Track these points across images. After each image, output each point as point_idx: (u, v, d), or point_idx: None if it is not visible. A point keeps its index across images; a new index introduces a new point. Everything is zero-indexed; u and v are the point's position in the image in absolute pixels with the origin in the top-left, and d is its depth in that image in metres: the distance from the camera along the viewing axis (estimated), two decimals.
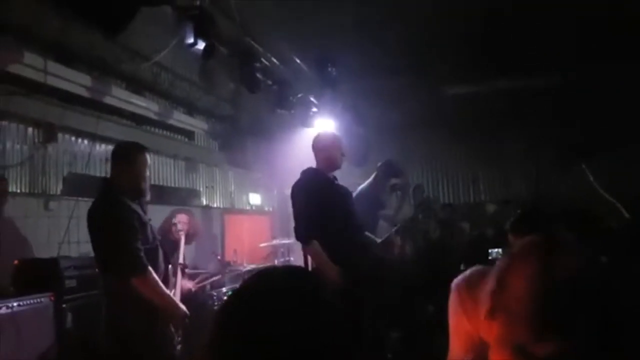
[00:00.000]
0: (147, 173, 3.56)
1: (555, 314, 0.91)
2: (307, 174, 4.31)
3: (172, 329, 3.46)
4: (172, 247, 4.53)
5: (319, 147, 4.40)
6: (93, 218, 3.36)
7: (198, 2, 4.22)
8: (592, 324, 0.90)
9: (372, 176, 6.30)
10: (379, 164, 6.41)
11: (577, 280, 0.93)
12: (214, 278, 5.93)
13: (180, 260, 4.29)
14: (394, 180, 6.56)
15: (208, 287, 5.84)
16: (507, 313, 0.95)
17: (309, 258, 4.26)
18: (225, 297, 5.54)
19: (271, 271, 1.12)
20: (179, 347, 3.55)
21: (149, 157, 3.58)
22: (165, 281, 3.50)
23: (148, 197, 3.57)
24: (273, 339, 0.91)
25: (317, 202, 4.08)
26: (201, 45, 4.26)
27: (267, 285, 1.03)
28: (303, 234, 4.07)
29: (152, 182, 3.66)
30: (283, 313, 0.95)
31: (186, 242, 4.84)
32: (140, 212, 3.42)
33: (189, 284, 5.05)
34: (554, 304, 0.91)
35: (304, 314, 0.96)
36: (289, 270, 1.10)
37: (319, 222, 4.03)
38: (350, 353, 0.99)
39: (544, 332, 0.91)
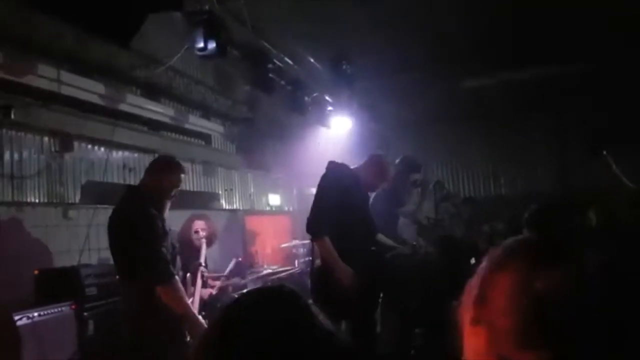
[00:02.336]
0: (175, 193, 3.60)
1: (539, 328, 0.89)
2: (338, 169, 4.33)
3: (189, 340, 3.46)
4: (192, 253, 4.54)
5: (376, 164, 4.49)
6: (118, 223, 3.38)
7: (207, 7, 4.22)
8: (583, 336, 0.88)
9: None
10: (397, 160, 6.33)
11: (563, 291, 0.90)
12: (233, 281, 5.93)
13: (202, 262, 4.28)
14: (415, 176, 6.47)
15: (230, 289, 5.85)
16: (490, 326, 0.93)
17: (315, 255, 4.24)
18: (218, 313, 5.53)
19: (260, 292, 1.12)
20: None
21: (183, 178, 3.65)
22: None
23: (166, 213, 3.57)
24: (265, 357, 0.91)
25: (338, 200, 4.09)
26: (211, 48, 4.26)
27: (255, 305, 1.03)
28: (316, 227, 4.07)
29: None
30: (273, 331, 0.95)
31: (207, 247, 4.85)
32: (162, 221, 3.45)
33: (207, 291, 5.06)
34: (537, 319, 0.89)
35: (293, 336, 0.96)
36: (277, 291, 1.09)
37: (333, 220, 4.03)
38: None
39: (528, 346, 0.88)
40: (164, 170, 3.60)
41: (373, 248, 4.42)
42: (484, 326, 0.94)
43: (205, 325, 3.45)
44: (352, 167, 4.45)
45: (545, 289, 0.90)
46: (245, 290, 1.12)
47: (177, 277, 3.30)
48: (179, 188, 3.65)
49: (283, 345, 0.92)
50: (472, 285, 1.01)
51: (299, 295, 1.05)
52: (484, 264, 1.02)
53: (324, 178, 4.27)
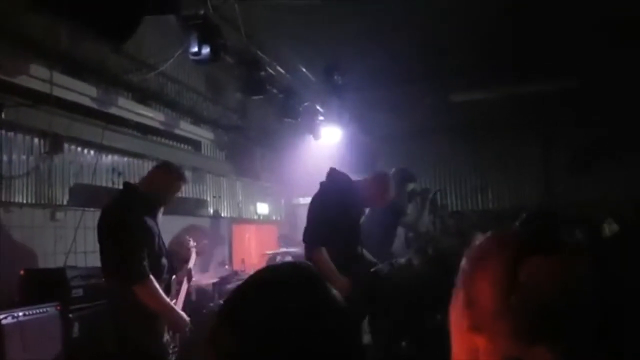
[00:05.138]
0: (172, 200, 3.70)
1: (533, 322, 0.87)
2: (339, 179, 4.27)
3: (170, 336, 3.48)
4: (179, 262, 4.55)
5: (385, 186, 4.42)
6: (105, 220, 3.42)
7: (202, 11, 4.23)
8: (580, 325, 0.87)
9: None
10: (391, 172, 6.38)
11: (548, 280, 0.89)
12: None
13: (190, 266, 4.30)
14: (411, 186, 6.52)
15: (216, 296, 5.84)
16: (486, 329, 0.91)
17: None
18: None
19: (279, 265, 1.11)
20: (174, 355, 3.56)
21: (181, 186, 3.77)
22: (167, 291, 3.52)
23: (160, 218, 3.61)
24: (279, 330, 0.90)
25: (335, 212, 4.04)
26: (205, 53, 4.27)
27: (275, 279, 1.01)
28: (314, 237, 4.01)
29: None
30: (291, 306, 0.94)
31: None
32: (152, 222, 3.47)
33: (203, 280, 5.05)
34: (529, 312, 0.88)
35: (312, 309, 0.95)
36: (297, 266, 1.08)
37: (331, 231, 3.99)
38: (355, 349, 0.97)
39: (531, 342, 0.87)
40: (165, 174, 3.66)
41: (358, 263, 4.39)
42: (483, 331, 0.92)
43: (187, 320, 3.49)
44: (353, 179, 4.38)
45: (529, 281, 0.88)
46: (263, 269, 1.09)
47: (152, 277, 3.30)
48: (175, 196, 3.70)
49: (299, 330, 0.91)
50: (459, 289, 0.99)
51: (318, 276, 1.04)
52: (464, 264, 1.00)
53: (325, 188, 4.22)
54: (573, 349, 0.85)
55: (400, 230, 6.46)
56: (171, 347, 3.52)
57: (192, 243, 4.78)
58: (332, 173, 4.31)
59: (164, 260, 3.57)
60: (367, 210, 5.94)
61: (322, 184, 4.27)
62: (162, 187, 3.59)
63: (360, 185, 4.36)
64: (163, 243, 3.61)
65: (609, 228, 4.39)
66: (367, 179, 4.42)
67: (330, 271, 3.90)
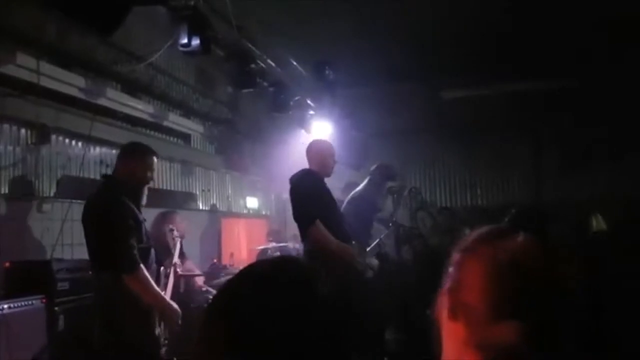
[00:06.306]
0: (150, 176, 3.63)
1: (509, 301, 0.90)
2: (305, 172, 4.41)
3: (161, 328, 3.46)
4: (164, 250, 4.52)
5: (313, 153, 4.52)
6: (90, 211, 3.40)
7: (192, 2, 4.20)
8: (550, 303, 0.89)
9: (367, 180, 6.27)
10: (372, 167, 6.40)
11: (526, 260, 0.91)
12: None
13: (175, 260, 4.28)
14: (390, 184, 6.55)
15: (204, 289, 5.82)
16: (467, 312, 0.94)
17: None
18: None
19: (272, 260, 1.10)
20: (164, 348, 3.54)
21: (155, 161, 3.66)
22: (156, 282, 3.50)
23: (144, 201, 3.58)
24: (273, 327, 0.89)
25: (316, 197, 4.20)
26: (195, 44, 4.23)
27: (270, 274, 1.00)
28: (307, 213, 4.13)
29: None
30: (286, 303, 0.92)
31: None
32: (137, 211, 3.44)
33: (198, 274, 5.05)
34: (506, 292, 0.90)
35: (306, 306, 0.93)
36: (290, 260, 1.07)
37: (320, 208, 4.15)
38: (343, 346, 0.96)
39: (499, 316, 0.89)
40: (135, 155, 3.61)
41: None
42: (461, 314, 0.94)
43: (178, 311, 3.47)
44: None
45: (509, 260, 0.91)
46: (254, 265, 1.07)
47: (142, 266, 3.29)
48: (154, 172, 3.67)
49: (293, 326, 0.90)
50: (446, 280, 1.02)
51: (311, 272, 1.02)
52: (455, 254, 1.03)
53: (296, 187, 4.36)
54: (541, 325, 0.87)
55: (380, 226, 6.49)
56: (162, 340, 3.50)
57: (175, 233, 4.74)
58: (295, 176, 4.45)
59: (152, 250, 3.56)
60: (344, 204, 6.00)
61: (291, 181, 4.43)
62: (138, 169, 3.55)
63: (312, 165, 4.51)
64: (148, 232, 3.60)
65: (596, 223, 4.43)
66: (308, 157, 4.57)
67: (329, 241, 4.06)
